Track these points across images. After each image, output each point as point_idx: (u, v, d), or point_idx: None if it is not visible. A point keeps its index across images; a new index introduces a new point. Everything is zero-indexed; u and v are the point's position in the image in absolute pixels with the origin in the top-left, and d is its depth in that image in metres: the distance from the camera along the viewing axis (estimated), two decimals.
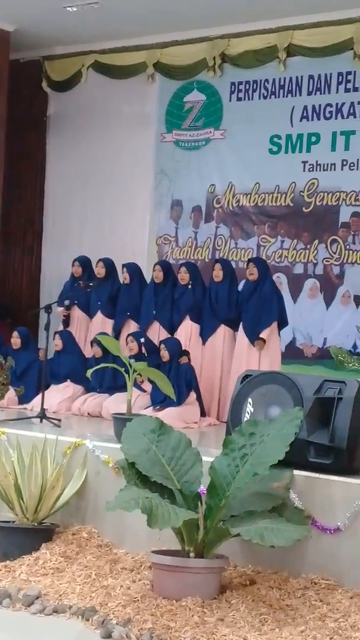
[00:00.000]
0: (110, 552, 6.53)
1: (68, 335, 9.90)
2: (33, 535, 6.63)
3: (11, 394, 9.26)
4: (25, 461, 6.75)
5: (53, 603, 5.76)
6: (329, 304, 10.85)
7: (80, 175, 12.74)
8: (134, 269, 10.32)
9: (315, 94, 11.06)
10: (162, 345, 9.10)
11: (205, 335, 9.73)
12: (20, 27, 11.92)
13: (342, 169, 10.83)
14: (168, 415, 8.26)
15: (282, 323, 9.60)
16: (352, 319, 10.66)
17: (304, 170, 11.10)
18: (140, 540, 6.40)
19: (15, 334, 9.94)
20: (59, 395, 9.38)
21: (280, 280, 11.01)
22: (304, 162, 11.11)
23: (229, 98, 11.70)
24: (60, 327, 10.34)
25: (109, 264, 10.42)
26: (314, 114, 11.06)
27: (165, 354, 9.00)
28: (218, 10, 10.85)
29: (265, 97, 11.43)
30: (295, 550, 5.86)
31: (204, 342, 9.74)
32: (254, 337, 9.36)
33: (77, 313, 10.41)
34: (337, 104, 10.91)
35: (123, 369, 7.53)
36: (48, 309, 8.76)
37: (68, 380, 9.56)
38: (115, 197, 12.37)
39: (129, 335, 9.52)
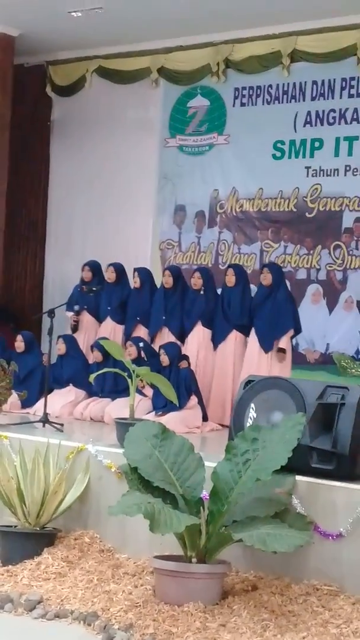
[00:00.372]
0: (112, 557, 6.53)
1: (71, 340, 9.90)
2: (35, 540, 6.63)
3: (14, 398, 9.25)
4: (27, 466, 6.75)
5: (55, 608, 5.76)
6: (331, 309, 10.85)
7: (84, 179, 12.75)
8: (145, 274, 10.32)
9: (318, 99, 11.06)
10: (162, 350, 9.10)
11: (216, 340, 9.71)
12: (24, 32, 11.94)
13: (345, 175, 10.83)
14: (170, 420, 8.26)
15: (297, 330, 9.59)
16: (355, 325, 10.65)
17: (307, 176, 11.09)
18: (143, 546, 6.40)
19: (19, 337, 9.93)
20: (61, 400, 9.38)
21: None
22: (308, 168, 11.11)
23: (232, 103, 11.71)
24: (67, 332, 10.33)
25: (119, 269, 10.40)
26: (318, 120, 11.05)
27: (164, 359, 9.00)
28: (222, 15, 10.86)
29: (268, 103, 11.43)
30: (298, 556, 5.85)
31: (215, 347, 9.72)
32: (267, 344, 9.32)
33: (86, 318, 10.40)
34: (340, 109, 10.90)
35: (126, 373, 7.54)
36: (51, 313, 8.75)
37: (71, 384, 9.56)
38: (119, 202, 12.38)
39: (128, 339, 9.52)
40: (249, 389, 6.61)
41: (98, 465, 6.91)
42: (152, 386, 8.59)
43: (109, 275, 10.36)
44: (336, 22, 10.64)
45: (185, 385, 8.89)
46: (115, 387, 9.11)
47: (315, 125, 11.08)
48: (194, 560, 5.79)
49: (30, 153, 13.03)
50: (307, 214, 11.09)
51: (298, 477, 6.08)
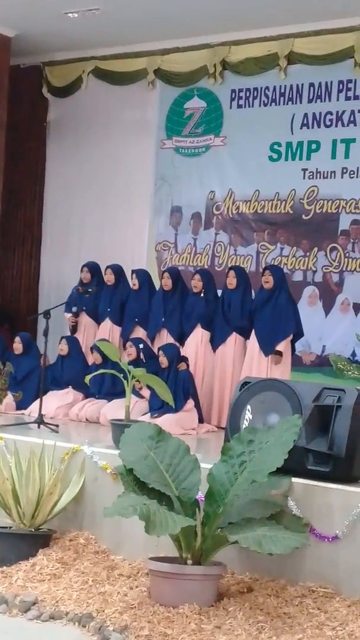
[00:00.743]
0: (108, 559, 6.52)
1: (74, 342, 9.88)
2: (30, 541, 6.62)
3: (9, 399, 9.26)
4: (22, 467, 6.73)
5: (50, 609, 5.75)
6: (328, 311, 10.84)
7: (80, 181, 12.74)
8: (144, 276, 10.33)
9: (315, 101, 11.06)
10: (161, 352, 9.09)
11: (216, 342, 9.70)
12: (21, 33, 11.92)
13: (342, 177, 10.82)
14: (166, 421, 8.25)
15: (298, 334, 9.57)
16: (351, 327, 10.65)
17: (303, 178, 11.09)
18: (138, 547, 6.39)
19: (17, 339, 9.92)
20: (57, 401, 9.36)
21: None
22: (304, 170, 11.10)
23: (229, 105, 11.70)
24: (64, 333, 10.33)
25: (117, 270, 10.40)
26: (314, 122, 11.06)
27: (163, 360, 8.99)
28: (219, 17, 10.86)
29: (265, 105, 11.43)
30: (293, 558, 5.84)
31: (214, 350, 9.71)
32: (268, 347, 9.29)
33: (85, 319, 10.40)
34: (337, 112, 10.90)
35: (122, 375, 7.53)
36: (47, 314, 8.73)
37: (70, 387, 9.54)
38: (115, 203, 12.37)
39: (128, 340, 9.51)
40: (245, 391, 6.60)
41: (93, 466, 6.90)
42: (149, 387, 8.57)
43: (108, 278, 10.36)
44: (333, 24, 10.64)
45: (183, 387, 8.88)
46: (113, 389, 9.10)
47: (312, 127, 11.09)
48: (189, 562, 5.78)
49: (27, 154, 13.02)
50: (303, 216, 11.09)
51: (294, 479, 6.08)
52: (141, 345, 9.28)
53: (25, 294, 13.15)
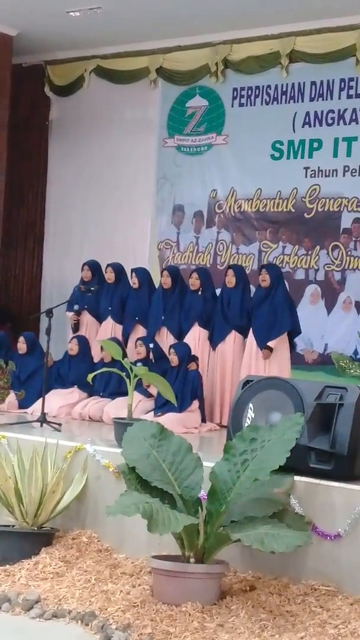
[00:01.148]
0: (110, 557, 6.52)
1: (84, 342, 9.87)
2: (33, 540, 6.62)
3: (12, 398, 9.27)
4: (25, 465, 6.74)
5: (52, 607, 5.75)
6: (330, 310, 10.85)
7: (82, 179, 12.75)
8: (143, 274, 10.33)
9: (317, 100, 11.05)
10: (172, 350, 9.09)
11: (215, 340, 9.71)
12: (23, 32, 11.92)
13: (344, 175, 10.82)
14: (168, 420, 8.25)
15: (295, 331, 9.58)
16: (353, 325, 10.65)
17: (305, 176, 11.09)
18: (140, 545, 6.39)
19: (21, 339, 9.92)
20: (60, 400, 9.36)
21: None
22: (306, 168, 11.10)
23: (231, 104, 11.70)
24: (69, 332, 10.34)
25: (118, 269, 10.41)
26: (316, 120, 11.05)
27: (174, 359, 9.00)
28: (221, 16, 10.86)
29: (267, 103, 11.43)
30: (296, 556, 5.85)
31: (214, 348, 9.72)
32: (262, 343, 9.33)
33: (86, 318, 10.41)
34: (339, 110, 10.90)
35: (124, 373, 7.53)
36: (49, 313, 8.73)
37: (75, 386, 9.53)
38: (117, 202, 12.37)
39: (138, 339, 9.52)
40: (247, 389, 6.61)
41: (96, 464, 6.91)
42: None
43: (109, 276, 10.37)
44: (335, 22, 10.64)
45: (192, 387, 8.89)
46: (119, 388, 9.06)
47: (314, 125, 11.08)
48: (192, 560, 5.78)
49: (28, 153, 13.03)
50: (305, 215, 11.09)
51: (296, 478, 6.08)
52: (151, 345, 9.28)
53: (27, 292, 13.16)
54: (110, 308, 10.26)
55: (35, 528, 6.71)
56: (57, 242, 12.99)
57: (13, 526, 6.76)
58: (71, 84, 12.80)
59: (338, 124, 10.90)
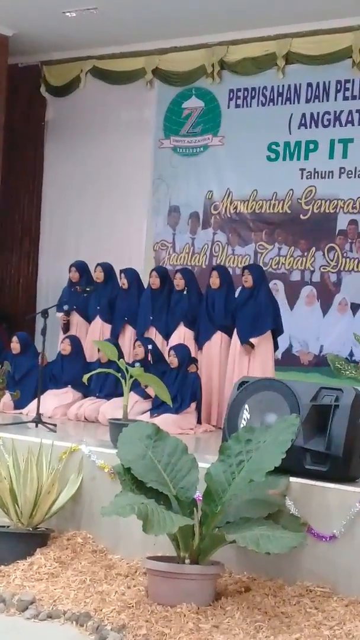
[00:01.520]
0: (105, 558, 6.52)
1: (77, 342, 9.86)
2: (28, 540, 6.61)
3: (7, 398, 9.26)
4: (20, 466, 6.73)
5: (47, 608, 5.75)
6: (325, 311, 10.85)
7: (78, 180, 12.74)
8: (132, 275, 10.32)
9: (313, 101, 11.06)
10: (172, 352, 9.10)
11: (201, 341, 9.73)
12: (19, 32, 11.92)
13: (339, 177, 10.83)
14: (164, 421, 8.24)
15: (278, 331, 9.59)
16: (348, 327, 10.66)
17: (301, 178, 11.10)
18: (136, 546, 6.39)
19: (14, 339, 9.92)
20: (55, 400, 9.36)
21: (277, 287, 11.02)
22: (302, 170, 11.11)
23: (227, 105, 11.70)
24: (60, 333, 10.34)
25: (107, 268, 10.42)
26: (312, 122, 11.06)
27: (174, 361, 9.00)
28: (217, 17, 10.86)
29: (263, 104, 11.44)
30: (291, 558, 5.84)
31: (200, 348, 9.74)
32: (244, 339, 9.34)
33: (76, 318, 10.41)
34: (335, 111, 10.91)
35: (120, 374, 7.52)
36: (45, 313, 8.72)
37: (69, 386, 9.53)
38: (113, 203, 12.37)
39: (137, 339, 9.52)
40: (242, 390, 6.60)
41: (91, 465, 6.90)
42: None
43: (97, 275, 10.39)
44: (331, 24, 10.65)
45: (191, 390, 8.88)
46: (115, 390, 9.05)
47: (310, 127, 11.09)
48: (187, 561, 5.78)
49: (24, 153, 13.02)
50: (301, 216, 11.10)
51: (292, 479, 6.08)
52: (150, 346, 9.28)
53: (23, 293, 13.15)
54: (98, 307, 10.26)
55: (30, 529, 6.70)
56: (52, 243, 12.99)
57: (8, 527, 6.74)
58: (67, 84, 12.80)
59: (334, 126, 10.91)
